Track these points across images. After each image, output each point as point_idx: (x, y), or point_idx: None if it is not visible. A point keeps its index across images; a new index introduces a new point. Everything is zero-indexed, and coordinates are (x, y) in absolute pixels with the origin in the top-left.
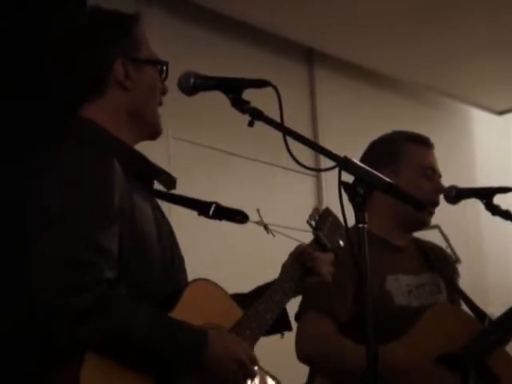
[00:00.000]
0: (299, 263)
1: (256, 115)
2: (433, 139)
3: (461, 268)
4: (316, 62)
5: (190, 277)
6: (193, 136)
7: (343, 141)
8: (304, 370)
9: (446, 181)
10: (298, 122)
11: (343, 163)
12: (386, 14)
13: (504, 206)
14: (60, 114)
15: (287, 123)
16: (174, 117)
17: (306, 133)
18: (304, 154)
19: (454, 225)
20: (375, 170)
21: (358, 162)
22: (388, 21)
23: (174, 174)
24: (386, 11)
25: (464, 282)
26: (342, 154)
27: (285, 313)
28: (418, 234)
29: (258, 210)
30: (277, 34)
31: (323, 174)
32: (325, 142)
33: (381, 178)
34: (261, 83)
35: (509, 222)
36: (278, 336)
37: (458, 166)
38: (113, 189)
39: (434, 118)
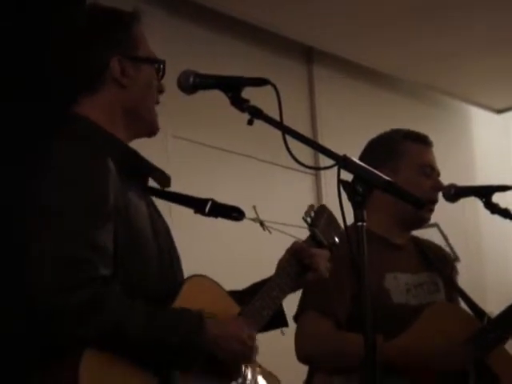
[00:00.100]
0: (296, 259)
1: (255, 114)
2: (432, 138)
3: (459, 266)
4: (315, 61)
5: (189, 273)
6: (192, 134)
7: (342, 139)
8: (303, 368)
9: (445, 179)
10: (297, 120)
11: (342, 162)
12: (385, 13)
13: (503, 205)
14: (59, 113)
15: (286, 122)
16: (174, 115)
17: (305, 131)
18: (303, 152)
19: (452, 223)
20: (374, 168)
21: (357, 161)
22: (387, 20)
23: (173, 172)
24: (385, 10)
25: (463, 281)
26: (341, 153)
27: (281, 309)
28: (417, 233)
29: (254, 207)
30: (276, 33)
31: (322, 172)
32: (324, 141)
33: (380, 177)
34: (260, 82)
35: (508, 221)
36: (278, 335)
37: (457, 165)
38: (107, 187)
39: (433, 117)
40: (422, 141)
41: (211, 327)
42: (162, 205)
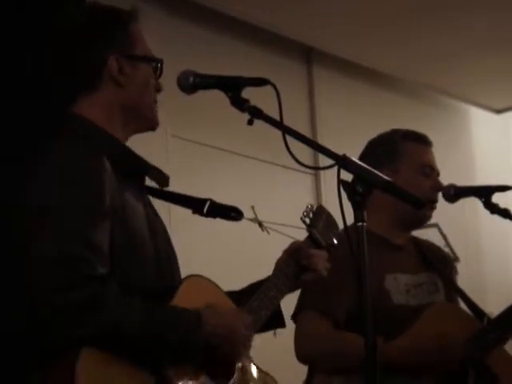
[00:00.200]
0: (294, 260)
1: (255, 113)
2: (432, 138)
3: (459, 266)
4: (315, 61)
5: (188, 273)
6: (191, 134)
7: (342, 139)
8: (303, 368)
9: (445, 179)
10: (296, 120)
11: (342, 162)
12: (385, 13)
13: (503, 205)
14: (58, 113)
15: (286, 122)
16: (173, 115)
17: (305, 131)
18: (303, 152)
19: (452, 223)
20: (374, 168)
21: (357, 161)
22: (387, 20)
23: (173, 172)
24: (384, 10)
25: (462, 281)
26: (340, 153)
27: (279, 310)
28: (417, 233)
29: (252, 207)
30: (276, 33)
31: (322, 172)
32: (323, 141)
33: (379, 177)
34: (260, 81)
35: (507, 221)
36: (278, 335)
37: (456, 165)
38: (103, 186)
39: (432, 117)
40: (422, 141)
41: (208, 318)
42: (161, 205)
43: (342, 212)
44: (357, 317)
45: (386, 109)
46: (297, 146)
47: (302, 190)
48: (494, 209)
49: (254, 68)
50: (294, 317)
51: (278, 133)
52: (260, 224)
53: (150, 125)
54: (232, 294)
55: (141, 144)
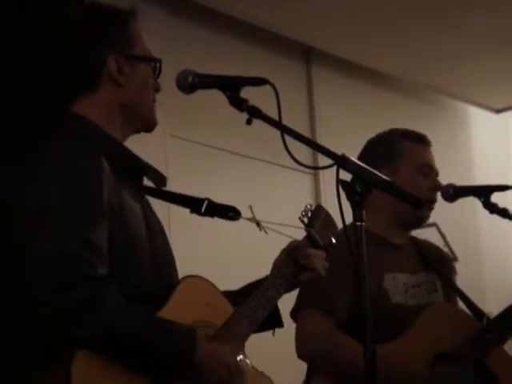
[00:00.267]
0: (292, 260)
1: (254, 113)
2: (431, 137)
3: (458, 266)
4: (314, 61)
5: (186, 273)
6: (190, 134)
7: (341, 139)
8: (302, 368)
9: (444, 179)
10: (295, 120)
11: (341, 161)
12: (385, 13)
13: (502, 204)
14: (58, 113)
15: (285, 121)
16: (172, 115)
17: (304, 131)
18: (302, 152)
19: (451, 223)
20: (373, 167)
21: (356, 160)
22: (387, 20)
23: (171, 172)
24: (384, 10)
25: (461, 281)
26: (339, 153)
27: (276, 309)
28: (416, 233)
29: (250, 207)
30: (275, 33)
31: (321, 172)
32: (322, 141)
33: (378, 176)
34: (259, 81)
35: (506, 220)
36: (277, 335)
37: (455, 164)
38: (102, 186)
39: (432, 117)
40: (421, 140)
41: (203, 342)
42: (159, 204)
43: (341, 211)
44: (357, 317)
45: (386, 109)
46: (296, 146)
47: (301, 189)
48: (493, 208)
49: (253, 68)
50: (293, 315)
51: (277, 132)
52: (258, 223)
53: (148, 125)
54: (229, 294)
55: (139, 144)
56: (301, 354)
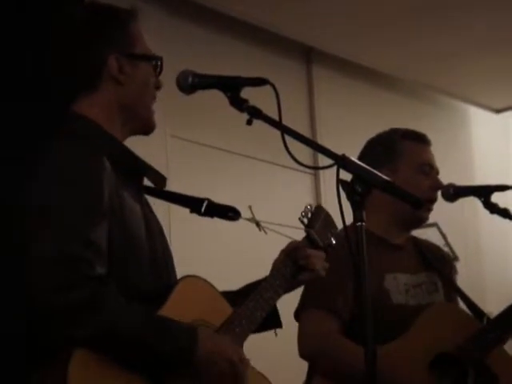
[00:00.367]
0: (291, 260)
1: (254, 113)
2: (431, 137)
3: (459, 266)
4: (314, 61)
5: (186, 273)
6: (191, 134)
7: (341, 139)
8: (303, 369)
9: (444, 178)
10: (296, 120)
11: (341, 161)
12: (385, 13)
13: (502, 204)
14: (59, 113)
15: (285, 121)
16: (173, 115)
17: (304, 131)
18: (302, 152)
19: (451, 223)
20: (373, 168)
21: (356, 160)
22: (387, 20)
23: (172, 172)
24: (384, 10)
25: (462, 280)
26: (340, 153)
27: (275, 310)
28: (416, 232)
29: (249, 207)
30: (275, 33)
31: (321, 172)
32: (323, 141)
33: (379, 176)
34: (259, 81)
35: (507, 220)
36: (278, 335)
37: (456, 164)
38: (103, 186)
39: (432, 116)
40: (421, 139)
41: (204, 338)
42: (160, 204)
43: (342, 212)
44: (358, 317)
45: (386, 108)
46: (296, 146)
47: (302, 189)
48: (494, 208)
49: (253, 68)
50: (297, 316)
51: (278, 133)
52: (257, 224)
53: (146, 125)
54: (228, 295)
55: (140, 144)
56: (303, 354)
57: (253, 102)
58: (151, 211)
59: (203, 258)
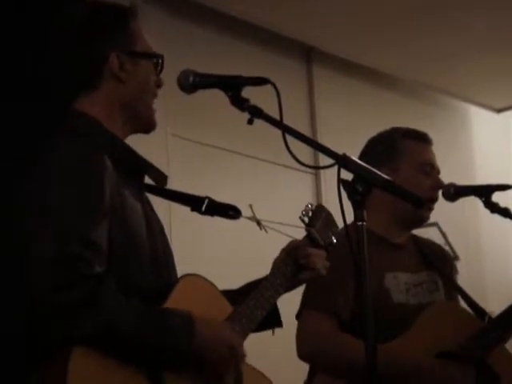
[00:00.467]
0: (292, 259)
1: (255, 113)
2: (432, 137)
3: (459, 265)
4: (315, 61)
5: (187, 271)
6: (192, 134)
7: (342, 139)
8: (303, 368)
9: (445, 178)
10: (296, 119)
11: (342, 161)
12: (385, 13)
13: (503, 204)
14: (59, 111)
15: (286, 121)
16: (173, 114)
17: (305, 131)
18: (303, 151)
19: (452, 222)
20: (374, 167)
21: (357, 160)
22: (387, 20)
23: (173, 171)
24: (385, 10)
25: (462, 280)
26: (340, 152)
27: (276, 309)
28: (417, 232)
29: (250, 206)
30: (276, 33)
31: (322, 171)
32: (323, 140)
33: (379, 176)
34: (260, 81)
35: (507, 220)
36: (278, 335)
37: (456, 164)
38: (103, 186)
39: (432, 116)
40: (422, 139)
41: (201, 330)
42: (161, 202)
43: (342, 211)
44: (358, 316)
45: (386, 108)
46: (297, 146)
47: (303, 189)
48: (494, 208)
49: (254, 67)
50: (298, 316)
51: (278, 132)
52: (258, 222)
53: (147, 125)
54: (228, 293)
55: (141, 143)
56: (301, 355)
57: (253, 101)
58: (152, 210)
59: (204, 256)
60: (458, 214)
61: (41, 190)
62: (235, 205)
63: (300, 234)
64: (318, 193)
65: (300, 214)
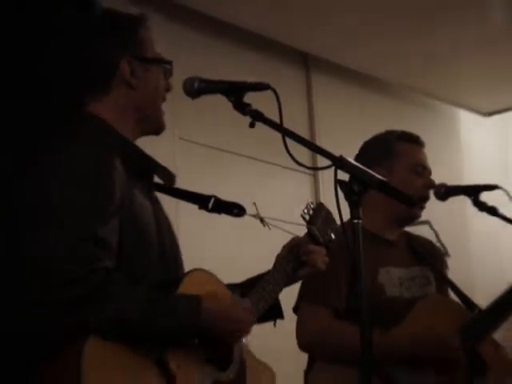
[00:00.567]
0: (293, 256)
1: (257, 117)
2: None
3: (449, 263)
4: (312, 67)
5: (193, 266)
6: (198, 137)
7: (339, 141)
8: (303, 358)
9: (435, 179)
10: (295, 123)
11: (339, 162)
12: (379, 20)
13: (499, 205)
14: (63, 113)
15: (286, 124)
16: (181, 118)
17: (304, 133)
18: (302, 153)
19: (443, 221)
20: (369, 168)
21: (353, 161)
22: (380, 27)
23: (180, 173)
24: (378, 18)
25: (451, 276)
26: (337, 154)
27: (277, 302)
28: (410, 229)
29: (254, 204)
30: (274, 40)
31: (320, 172)
32: (321, 142)
33: (374, 176)
34: (261, 86)
35: (497, 219)
36: (279, 327)
37: (446, 167)
38: (113, 185)
39: (422, 120)
40: (415, 141)
41: (209, 306)
42: (169, 201)
43: (339, 210)
44: (354, 310)
45: (380, 112)
46: (296, 148)
47: (301, 189)
48: (482, 207)
49: (254, 74)
50: (296, 309)
51: (279, 135)
52: (261, 220)
53: (157, 127)
54: (232, 287)
55: (149, 146)
56: (301, 344)
57: (255, 106)
58: (161, 208)
59: (210, 252)
60: (449, 213)
61: (52, 189)
62: (238, 203)
63: (301, 231)
64: (316, 192)
65: (301, 212)
